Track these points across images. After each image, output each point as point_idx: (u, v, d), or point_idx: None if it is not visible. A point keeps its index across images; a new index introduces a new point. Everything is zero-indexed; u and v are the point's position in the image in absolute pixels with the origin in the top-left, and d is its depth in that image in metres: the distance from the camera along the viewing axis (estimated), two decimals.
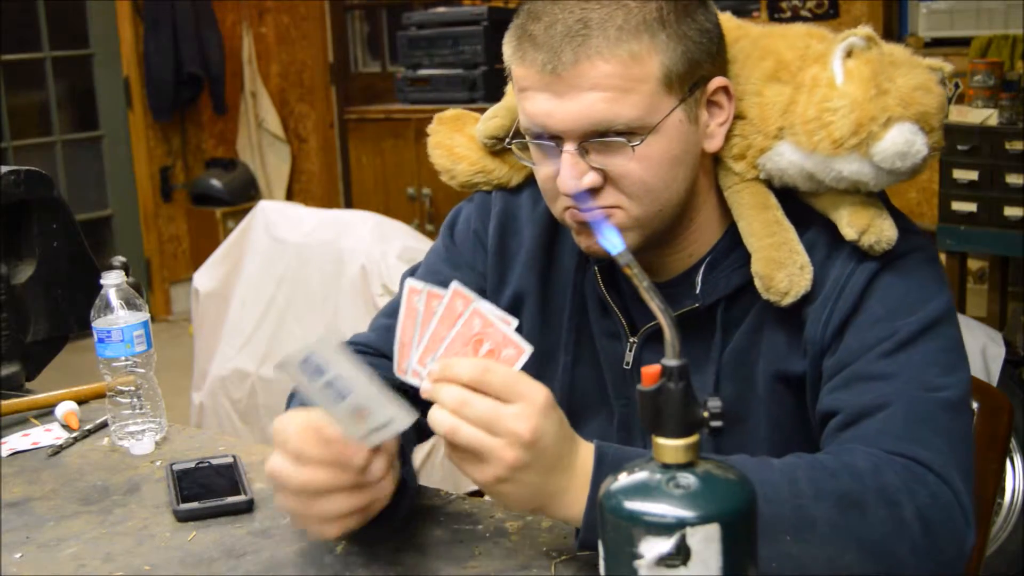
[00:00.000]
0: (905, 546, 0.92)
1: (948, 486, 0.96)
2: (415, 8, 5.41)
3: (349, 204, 5.52)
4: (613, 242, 0.82)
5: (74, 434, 1.40)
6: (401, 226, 3.25)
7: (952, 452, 0.98)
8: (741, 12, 3.86)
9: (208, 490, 1.19)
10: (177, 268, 5.74)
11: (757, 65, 1.11)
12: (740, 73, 1.12)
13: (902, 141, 1.02)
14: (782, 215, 1.10)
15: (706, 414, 0.73)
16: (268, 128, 5.72)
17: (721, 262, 1.14)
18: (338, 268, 3.03)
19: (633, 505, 0.71)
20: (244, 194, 5.62)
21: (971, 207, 3.19)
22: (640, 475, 0.73)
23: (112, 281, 1.36)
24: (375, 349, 1.25)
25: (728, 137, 1.11)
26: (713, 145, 1.10)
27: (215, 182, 5.61)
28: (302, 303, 3.12)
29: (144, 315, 1.37)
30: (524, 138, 1.11)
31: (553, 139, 1.06)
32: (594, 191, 1.06)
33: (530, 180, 1.25)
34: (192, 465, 1.25)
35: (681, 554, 0.69)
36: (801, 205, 1.12)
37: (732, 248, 1.13)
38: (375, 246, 3.00)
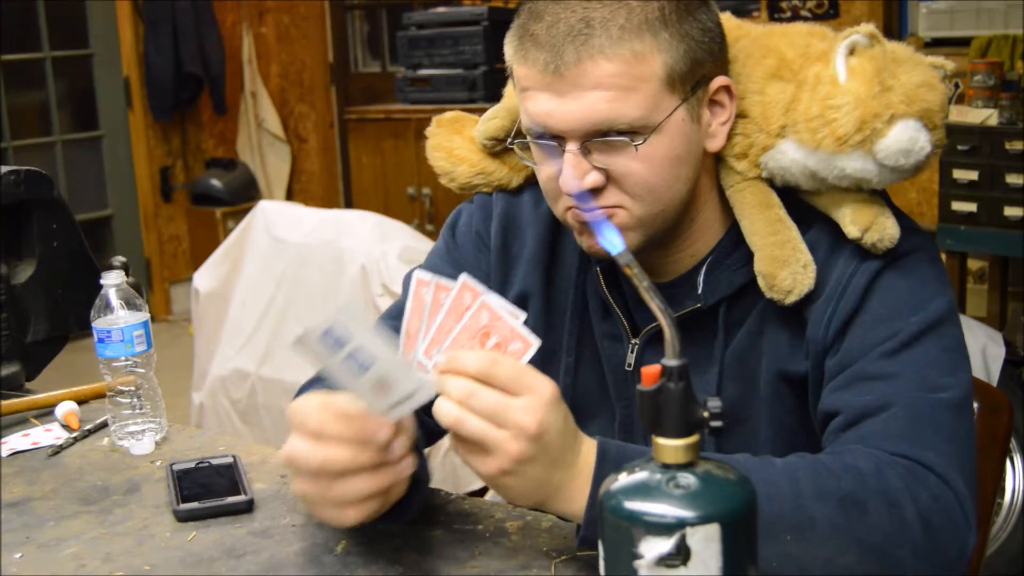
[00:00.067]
0: (906, 547, 0.92)
1: (950, 487, 0.96)
2: (415, 8, 5.41)
3: (349, 204, 5.52)
4: (613, 242, 0.82)
5: (74, 434, 1.40)
6: (401, 226, 3.25)
7: (954, 453, 0.98)
8: (741, 12, 3.86)
9: (208, 490, 1.19)
10: (177, 268, 5.74)
11: (759, 64, 1.11)
12: (741, 72, 1.12)
13: (906, 138, 1.02)
14: (784, 214, 1.10)
15: (706, 414, 0.73)
16: (268, 128, 5.72)
17: (723, 262, 1.14)
18: (338, 268, 3.03)
19: (633, 505, 0.71)
20: (244, 194, 5.63)
21: (971, 207, 3.19)
22: (640, 475, 0.73)
23: (112, 281, 1.36)
24: None
25: (730, 136, 1.11)
26: (715, 144, 1.10)
27: (215, 182, 5.61)
28: (302, 303, 3.12)
29: (144, 315, 1.37)
30: (526, 138, 1.11)
31: (555, 139, 1.06)
32: (596, 191, 1.06)
33: (530, 182, 1.25)
34: (192, 465, 1.25)
35: (681, 554, 0.69)
36: (802, 204, 1.12)
37: (734, 248, 1.13)
38: (375, 246, 3.00)
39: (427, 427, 1.00)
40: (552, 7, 1.03)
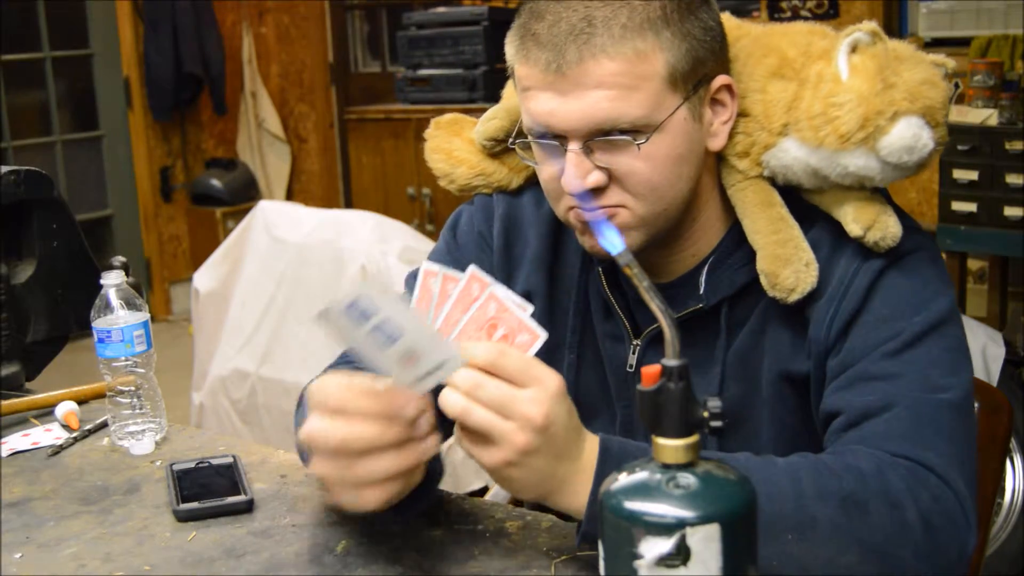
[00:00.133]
0: (907, 548, 0.92)
1: (951, 489, 0.96)
2: (415, 8, 5.41)
3: (349, 204, 5.52)
4: (613, 242, 0.82)
5: (74, 434, 1.40)
6: (401, 226, 3.25)
7: (955, 454, 0.98)
8: (741, 12, 3.85)
9: (208, 490, 1.19)
10: (177, 268, 5.74)
11: (760, 62, 1.11)
12: (742, 71, 1.12)
13: (909, 135, 1.02)
14: (786, 212, 1.10)
15: (706, 414, 0.73)
16: (268, 128, 5.72)
17: (724, 261, 1.14)
18: (338, 268, 3.03)
19: (633, 505, 0.71)
20: (244, 194, 5.63)
21: (971, 207, 3.19)
22: (640, 475, 0.73)
23: (112, 281, 1.36)
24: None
25: (731, 135, 1.11)
26: (717, 144, 1.10)
27: (215, 182, 5.61)
28: (302, 303, 3.12)
29: (144, 315, 1.36)
30: (527, 138, 1.10)
31: (557, 138, 1.06)
32: (598, 190, 1.06)
33: (530, 182, 1.25)
34: (192, 465, 1.25)
35: (681, 554, 0.69)
36: (804, 204, 1.12)
37: (735, 247, 1.13)
38: (375, 246, 3.00)
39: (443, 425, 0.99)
40: (554, 6, 1.03)
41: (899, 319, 1.04)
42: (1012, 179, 3.10)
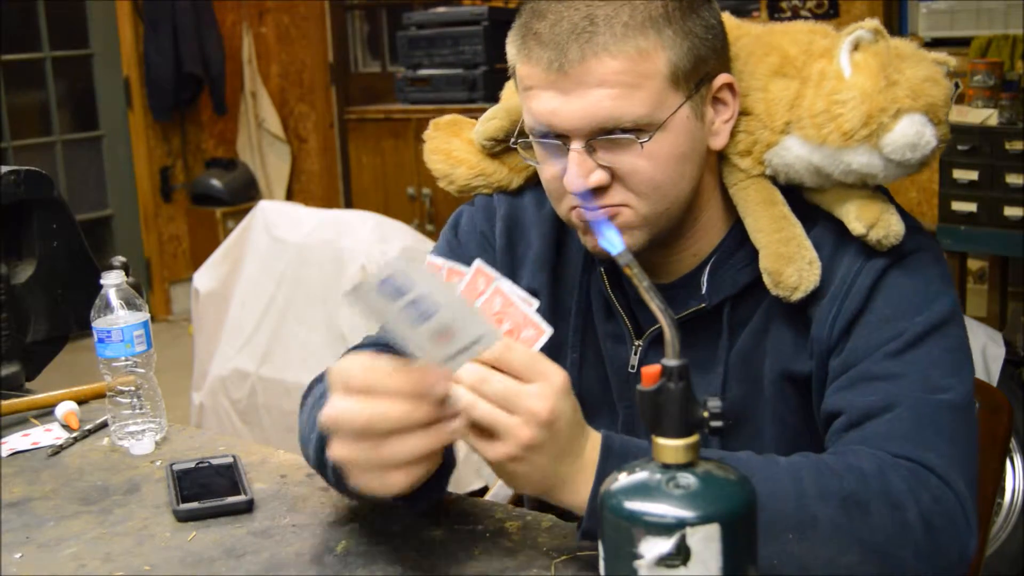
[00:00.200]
0: (908, 549, 0.92)
1: (952, 490, 0.96)
2: (415, 8, 5.41)
3: (349, 204, 5.52)
4: (613, 242, 0.82)
5: (74, 434, 1.40)
6: (401, 226, 3.25)
7: (956, 455, 0.98)
8: (741, 12, 3.85)
9: (208, 490, 1.19)
10: (177, 268, 5.74)
11: (761, 61, 1.11)
12: (744, 69, 1.12)
13: (912, 132, 1.02)
14: (788, 211, 1.10)
15: (706, 414, 0.73)
16: (268, 128, 5.72)
17: (726, 261, 1.13)
18: (338, 268, 3.03)
19: (633, 505, 0.71)
20: (244, 194, 5.63)
21: (971, 207, 3.19)
22: (640, 475, 0.73)
23: (112, 281, 1.36)
24: (386, 346, 1.24)
25: (733, 133, 1.11)
26: (718, 142, 1.10)
27: (215, 182, 5.61)
28: (302, 303, 3.12)
29: (144, 315, 1.37)
30: (528, 138, 1.10)
31: (559, 138, 1.06)
32: (601, 190, 1.06)
33: (531, 183, 1.25)
34: (192, 465, 1.25)
35: (681, 554, 0.69)
36: (805, 203, 1.12)
37: (737, 247, 1.13)
38: (375, 246, 3.00)
39: None
40: (555, 5, 1.03)
41: (901, 319, 1.04)
42: (1012, 179, 3.10)
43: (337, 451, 0.89)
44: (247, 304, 3.22)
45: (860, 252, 1.07)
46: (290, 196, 5.76)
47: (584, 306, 1.21)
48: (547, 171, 1.10)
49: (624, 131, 1.03)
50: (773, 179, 1.12)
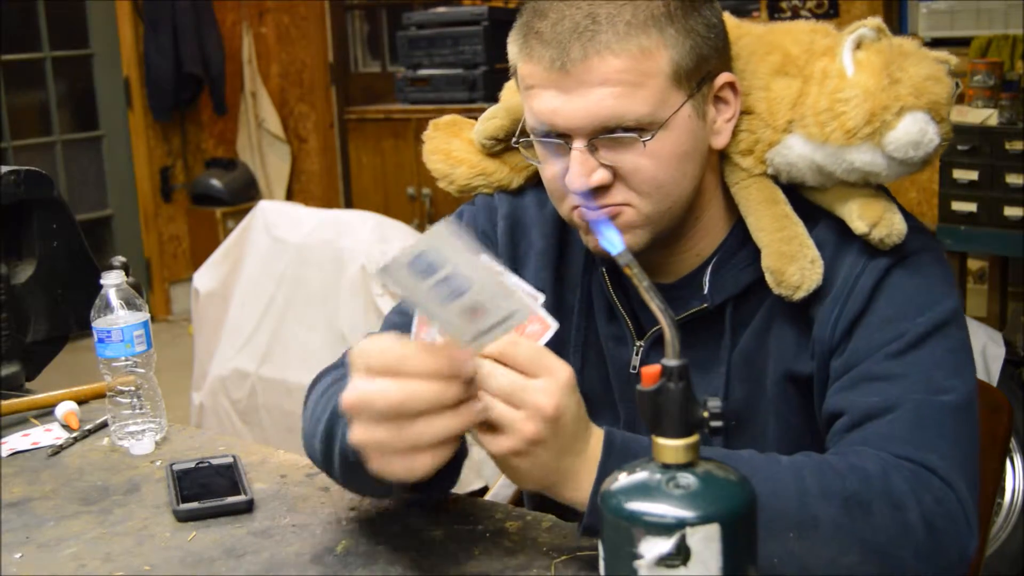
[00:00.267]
0: (909, 550, 0.92)
1: (953, 492, 0.96)
2: (415, 8, 5.41)
3: (349, 204, 5.52)
4: (613, 241, 0.82)
5: (74, 434, 1.40)
6: (401, 226, 3.25)
7: (957, 457, 0.98)
8: (741, 12, 3.84)
9: (208, 490, 1.19)
10: (177, 268, 5.74)
11: (763, 60, 1.11)
12: (746, 69, 1.11)
13: (915, 130, 1.02)
14: (790, 210, 1.10)
15: (706, 414, 0.73)
16: (268, 128, 5.72)
17: (728, 261, 1.13)
18: (338, 268, 3.03)
19: (633, 505, 0.71)
20: (244, 194, 5.63)
21: (971, 207, 3.19)
22: (640, 475, 0.73)
23: (112, 281, 1.36)
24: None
25: (735, 133, 1.11)
26: (720, 141, 1.10)
27: (215, 182, 5.61)
28: (302, 303, 3.12)
29: (144, 315, 1.37)
30: (530, 137, 1.10)
31: (561, 137, 1.06)
32: (602, 189, 1.05)
33: (531, 183, 1.25)
34: (192, 465, 1.25)
35: (681, 554, 0.69)
36: (807, 203, 1.11)
37: (739, 246, 1.13)
38: (375, 246, 3.00)
39: None
40: (557, 4, 1.03)
41: (903, 320, 1.04)
42: (1012, 179, 3.10)
43: (360, 435, 0.85)
44: (247, 304, 3.22)
45: (862, 252, 1.07)
46: (290, 196, 5.76)
47: (586, 306, 1.21)
48: (548, 170, 1.10)
49: (626, 130, 1.03)
50: (775, 178, 1.12)
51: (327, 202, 5.47)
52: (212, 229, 5.57)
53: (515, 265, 1.24)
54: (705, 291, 1.13)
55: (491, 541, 1.06)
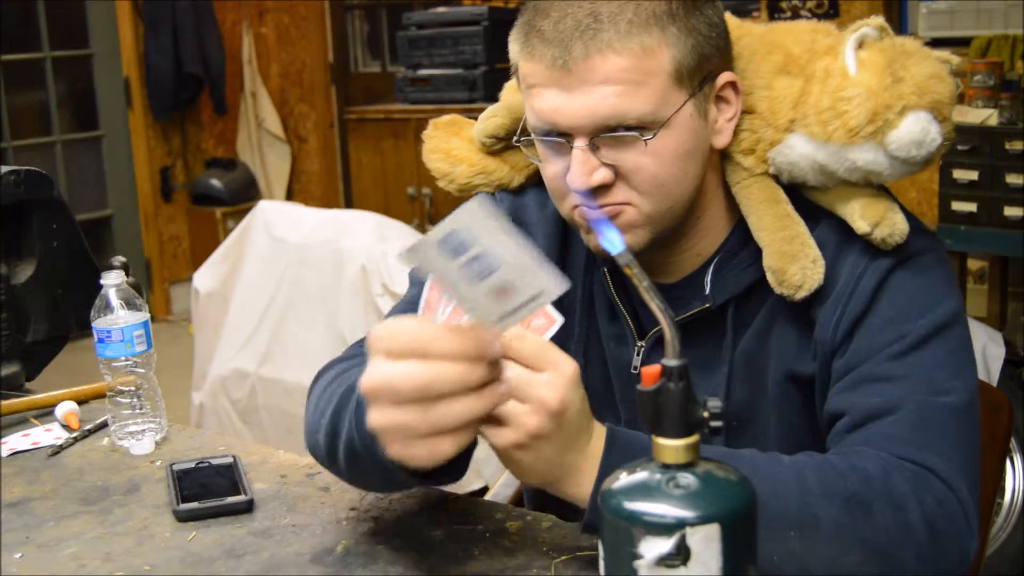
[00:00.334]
0: (910, 551, 0.92)
1: (954, 493, 0.96)
2: (415, 8, 5.41)
3: (349, 204, 5.52)
4: (613, 241, 0.81)
5: (74, 434, 1.40)
6: (401, 226, 3.25)
7: (958, 458, 0.98)
8: (741, 12, 3.84)
9: (208, 490, 1.19)
10: (177, 268, 5.74)
11: (765, 59, 1.11)
12: (747, 68, 1.11)
13: (918, 129, 1.02)
14: (792, 209, 1.10)
15: (706, 414, 0.73)
16: (268, 128, 5.72)
17: (730, 261, 1.13)
18: (338, 268, 3.03)
19: (633, 505, 0.71)
20: (244, 194, 5.63)
21: (971, 207, 3.19)
22: (640, 475, 0.73)
23: (112, 281, 1.36)
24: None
25: (736, 132, 1.10)
26: (721, 141, 1.10)
27: (215, 182, 5.61)
28: (302, 303, 3.12)
29: (144, 315, 1.37)
30: (531, 136, 1.10)
31: (562, 136, 1.05)
32: (604, 188, 1.05)
33: (532, 182, 1.25)
34: (192, 465, 1.25)
35: (681, 554, 0.69)
36: (808, 203, 1.11)
37: (741, 246, 1.13)
38: (375, 246, 3.00)
39: None
40: (559, 3, 1.03)
41: (905, 321, 1.04)
42: (1012, 179, 3.10)
43: (380, 419, 0.83)
44: (247, 304, 3.22)
45: (864, 252, 1.07)
46: (290, 196, 5.76)
47: (587, 306, 1.21)
48: (550, 169, 1.09)
49: (628, 129, 1.03)
50: (776, 178, 1.12)
51: (327, 202, 5.47)
52: (212, 229, 5.57)
53: None
54: (707, 291, 1.13)
55: (491, 541, 1.06)
